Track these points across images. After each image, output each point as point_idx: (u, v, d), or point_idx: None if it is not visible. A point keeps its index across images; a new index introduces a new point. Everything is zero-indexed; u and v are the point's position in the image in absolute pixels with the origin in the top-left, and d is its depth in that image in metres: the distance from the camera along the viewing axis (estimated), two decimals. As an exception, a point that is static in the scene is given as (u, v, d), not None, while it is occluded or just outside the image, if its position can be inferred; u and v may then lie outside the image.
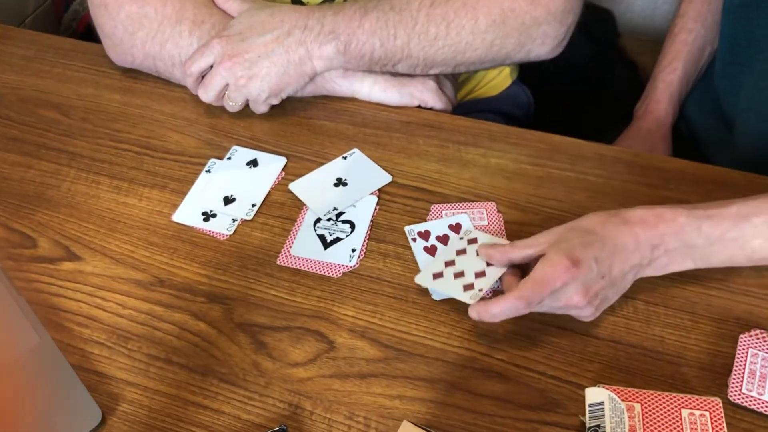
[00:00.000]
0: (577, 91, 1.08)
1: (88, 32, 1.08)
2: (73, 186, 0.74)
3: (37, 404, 0.53)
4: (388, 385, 0.57)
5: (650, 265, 0.58)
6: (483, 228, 0.67)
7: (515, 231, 0.67)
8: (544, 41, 0.78)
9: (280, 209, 0.70)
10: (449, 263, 0.64)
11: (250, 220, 0.69)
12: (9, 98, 0.83)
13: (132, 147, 0.77)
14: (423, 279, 0.63)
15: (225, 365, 0.59)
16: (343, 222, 0.68)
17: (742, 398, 0.55)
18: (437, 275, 0.63)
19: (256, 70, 0.73)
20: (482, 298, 0.59)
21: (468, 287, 0.61)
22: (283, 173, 0.73)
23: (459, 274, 0.62)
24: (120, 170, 0.75)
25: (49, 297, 0.64)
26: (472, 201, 0.70)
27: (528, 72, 1.02)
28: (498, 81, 0.99)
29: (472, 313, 0.58)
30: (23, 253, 0.68)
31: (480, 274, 0.62)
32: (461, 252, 0.64)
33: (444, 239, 0.67)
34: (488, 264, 0.63)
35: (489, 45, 0.76)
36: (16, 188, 0.74)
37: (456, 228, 0.67)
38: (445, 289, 0.62)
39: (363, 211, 0.69)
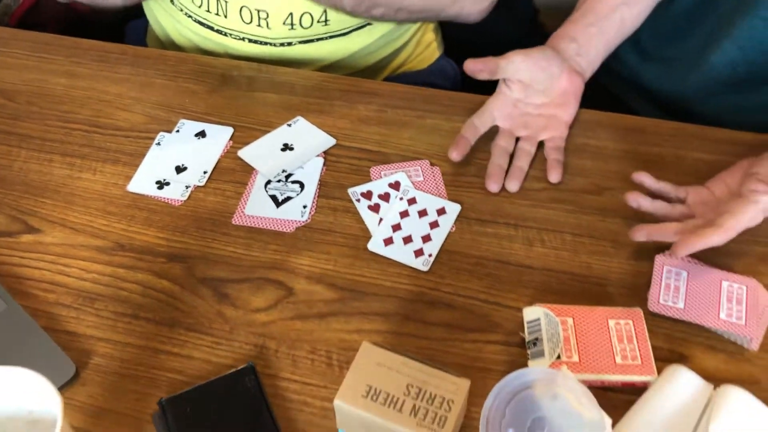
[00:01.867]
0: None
1: (20, 27, 1.09)
2: (25, 165, 0.75)
3: (11, 363, 0.56)
4: (345, 321, 0.62)
5: None
6: (419, 183, 0.73)
7: (451, 181, 0.73)
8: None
9: (231, 175, 0.74)
10: (396, 227, 0.69)
11: (203, 186, 0.73)
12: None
13: (81, 126, 0.79)
14: (375, 246, 0.68)
15: (190, 316, 0.63)
16: (293, 182, 0.73)
17: (660, 308, 0.62)
18: (387, 241, 0.68)
19: None
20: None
21: (418, 253, 0.67)
22: (231, 142, 0.77)
23: (407, 239, 0.68)
24: (71, 148, 0.77)
25: (12, 267, 0.66)
26: (410, 160, 0.75)
27: (453, 48, 1.09)
28: (426, 55, 1.05)
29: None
30: (-14, 229, 0.69)
31: (426, 238, 0.68)
32: (404, 214, 0.70)
33: (386, 197, 0.72)
34: (432, 225, 0.68)
35: None
36: (-33, 170, 0.75)
37: (395, 186, 0.73)
38: (398, 256, 0.67)
39: (311, 172, 0.74)
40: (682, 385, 0.57)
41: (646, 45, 0.95)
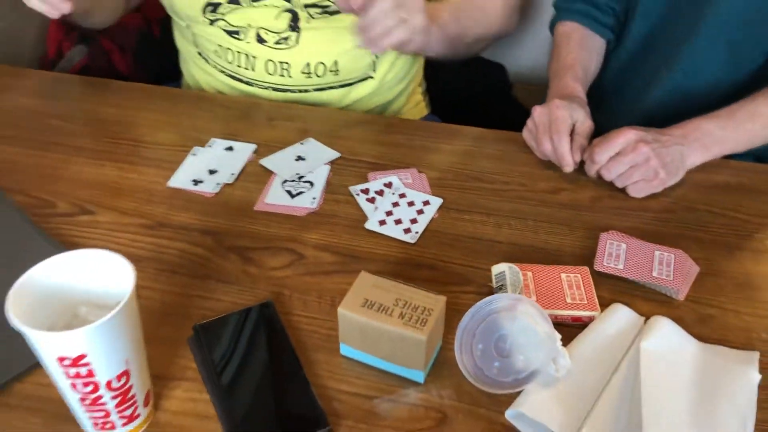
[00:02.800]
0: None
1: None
2: (81, 168, 0.91)
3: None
4: (346, 277, 0.75)
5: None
6: (409, 184, 0.88)
7: (435, 184, 0.89)
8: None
9: (254, 177, 0.90)
10: (389, 213, 0.84)
11: (231, 184, 0.88)
12: (22, 115, 1.01)
13: (128, 142, 0.96)
14: (371, 225, 0.83)
15: (219, 273, 0.76)
16: (304, 182, 0.88)
17: (603, 268, 0.76)
18: (381, 222, 0.83)
19: None
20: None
21: (407, 231, 0.82)
22: (255, 155, 0.93)
23: (398, 221, 0.83)
24: (119, 156, 0.93)
25: (70, 238, 0.80)
26: (402, 168, 0.91)
27: (438, 107, 1.28)
28: (416, 111, 1.24)
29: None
30: (44, 211, 0.84)
31: (413, 221, 0.83)
32: (396, 204, 0.85)
33: (381, 193, 0.87)
34: (419, 212, 0.84)
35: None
36: (33, 171, 0.90)
37: (389, 185, 0.88)
38: (390, 233, 0.81)
39: (319, 175, 0.89)
40: (619, 316, 0.70)
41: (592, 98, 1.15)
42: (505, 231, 0.82)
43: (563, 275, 0.74)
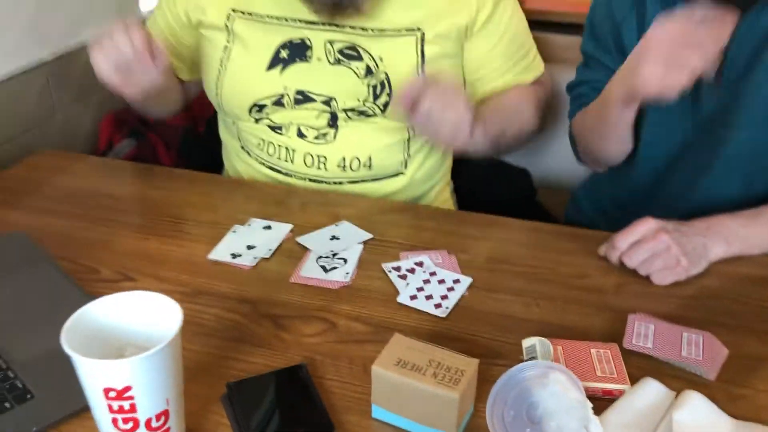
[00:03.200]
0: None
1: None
2: (126, 240, 0.95)
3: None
4: (377, 346, 0.76)
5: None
6: (439, 264, 0.91)
7: (465, 266, 0.91)
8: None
9: (290, 253, 0.93)
10: (420, 289, 0.87)
11: (268, 259, 0.92)
12: (75, 194, 1.07)
13: (172, 219, 1.00)
14: (403, 299, 0.85)
15: (253, 338, 0.78)
16: (338, 258, 0.92)
17: (633, 346, 0.77)
18: (413, 297, 0.85)
19: None
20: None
21: (437, 306, 0.84)
22: (291, 234, 0.97)
23: (429, 297, 0.86)
24: (163, 231, 0.97)
25: (113, 302, 0.83)
26: (432, 250, 0.95)
27: (464, 206, 1.33)
28: (440, 202, 1.28)
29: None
30: (89, 276, 0.87)
31: (444, 297, 0.85)
32: (427, 281, 0.88)
33: (412, 270, 0.90)
34: (449, 289, 0.86)
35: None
36: (81, 242, 0.95)
37: (420, 264, 0.91)
38: (421, 307, 0.84)
39: (353, 252, 0.93)
40: (650, 390, 0.70)
41: (611, 213, 1.19)
42: (533, 310, 0.84)
43: (593, 350, 0.75)
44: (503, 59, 1.16)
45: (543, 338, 0.76)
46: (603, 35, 1.11)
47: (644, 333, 0.79)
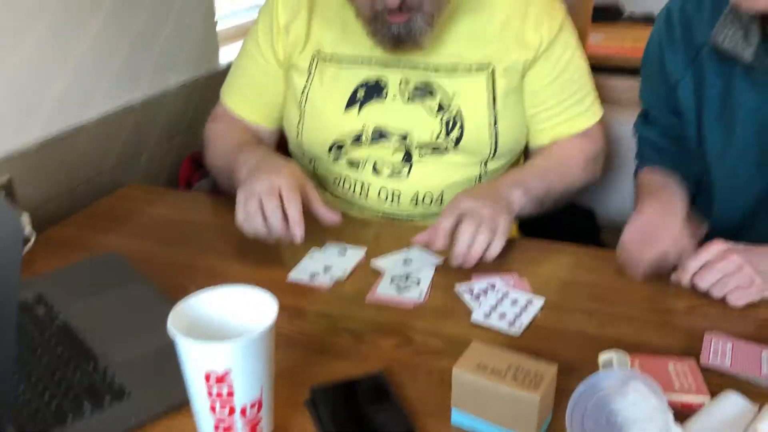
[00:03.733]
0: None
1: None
2: (211, 263, 1.01)
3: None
4: (453, 359, 0.78)
5: None
6: (510, 286, 0.93)
7: (537, 289, 0.93)
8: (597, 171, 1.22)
9: (364, 275, 0.97)
10: (493, 308, 0.89)
11: (344, 281, 0.95)
12: (160, 222, 1.14)
13: (252, 244, 1.05)
14: (477, 318, 0.87)
15: (333, 349, 0.81)
16: (411, 281, 0.94)
17: (710, 364, 0.76)
18: (486, 315, 0.87)
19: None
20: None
21: (511, 324, 0.86)
22: (365, 257, 1.01)
23: (502, 316, 0.87)
24: (244, 255, 1.02)
25: (199, 315, 0.87)
26: (503, 272, 0.97)
27: (527, 232, 1.34)
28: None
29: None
30: (178, 293, 0.92)
31: (518, 316, 0.87)
32: (500, 301, 0.90)
33: (485, 292, 0.92)
34: (522, 309, 0.88)
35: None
36: (169, 264, 1.00)
37: (492, 286, 0.93)
38: (495, 325, 0.86)
39: (425, 275, 0.96)
40: (732, 402, 0.70)
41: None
42: (608, 329, 0.85)
43: (671, 364, 0.75)
44: (558, 98, 1.17)
45: (620, 351, 0.76)
46: (658, 92, 1.12)
47: (721, 350, 0.79)
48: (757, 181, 1.03)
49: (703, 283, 0.89)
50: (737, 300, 0.88)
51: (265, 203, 0.94)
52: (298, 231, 0.94)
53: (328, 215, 1.00)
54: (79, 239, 1.08)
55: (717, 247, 0.89)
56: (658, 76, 1.11)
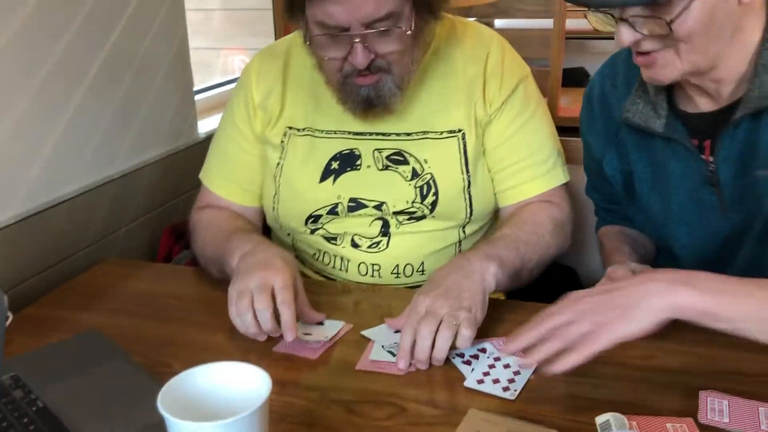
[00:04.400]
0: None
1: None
2: (196, 336, 0.99)
3: None
4: (448, 428, 0.77)
5: None
6: (501, 349, 0.92)
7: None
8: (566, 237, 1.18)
9: (353, 344, 0.95)
10: (486, 373, 0.88)
11: (331, 349, 0.94)
12: (143, 296, 1.12)
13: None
14: (470, 383, 0.86)
15: (325, 422, 0.79)
16: (402, 347, 0.93)
17: (708, 420, 0.76)
18: (480, 381, 0.86)
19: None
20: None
21: (506, 389, 0.84)
22: (347, 328, 0.99)
23: (496, 380, 0.86)
24: (229, 327, 1.00)
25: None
26: (491, 337, 0.96)
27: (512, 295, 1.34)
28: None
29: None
30: (163, 370, 0.89)
31: (511, 380, 0.86)
32: (492, 366, 0.89)
33: (476, 357, 0.91)
34: (515, 373, 0.87)
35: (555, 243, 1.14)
36: (153, 340, 0.98)
37: (483, 350, 0.92)
38: (489, 390, 0.84)
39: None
40: (734, 461, 0.69)
41: None
42: (602, 390, 0.84)
43: (668, 425, 0.74)
44: (514, 158, 1.16)
45: (616, 413, 0.75)
46: (590, 164, 1.17)
47: (718, 408, 0.78)
48: (722, 229, 1.01)
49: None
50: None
51: (256, 303, 0.92)
52: (289, 336, 0.91)
53: (314, 317, 0.99)
54: (57, 317, 1.05)
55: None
56: (586, 149, 1.16)
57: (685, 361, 0.89)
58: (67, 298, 1.11)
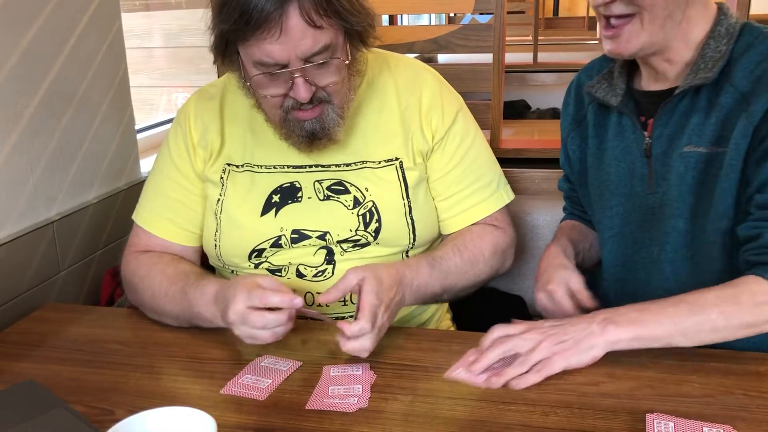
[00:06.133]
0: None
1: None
2: (138, 382, 0.95)
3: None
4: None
5: None
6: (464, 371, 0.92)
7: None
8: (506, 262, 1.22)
9: (302, 382, 0.94)
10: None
11: (280, 388, 0.92)
12: (83, 342, 1.08)
13: (183, 359, 1.01)
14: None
15: (276, 464, 0.77)
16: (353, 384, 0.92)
17: (655, 444, 0.77)
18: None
19: None
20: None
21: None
22: (295, 366, 0.98)
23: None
24: (175, 371, 0.98)
25: (129, 441, 0.82)
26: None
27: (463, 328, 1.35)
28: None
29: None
30: (105, 418, 0.86)
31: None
32: None
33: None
34: None
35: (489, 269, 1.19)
36: (94, 386, 0.95)
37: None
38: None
39: (365, 377, 0.94)
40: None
41: None
42: (552, 418, 0.84)
43: (617, 450, 0.75)
44: (457, 188, 1.19)
45: (566, 441, 0.76)
46: (563, 149, 1.28)
47: (665, 430, 0.79)
48: (636, 213, 1.11)
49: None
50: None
51: (255, 325, 0.95)
52: (299, 302, 0.95)
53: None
54: (-8, 368, 1.01)
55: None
56: (562, 132, 1.28)
57: (632, 386, 0.91)
58: (3, 348, 1.07)
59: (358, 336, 0.94)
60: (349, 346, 0.95)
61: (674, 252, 1.06)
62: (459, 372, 0.92)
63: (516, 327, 0.96)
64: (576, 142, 1.23)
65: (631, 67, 1.13)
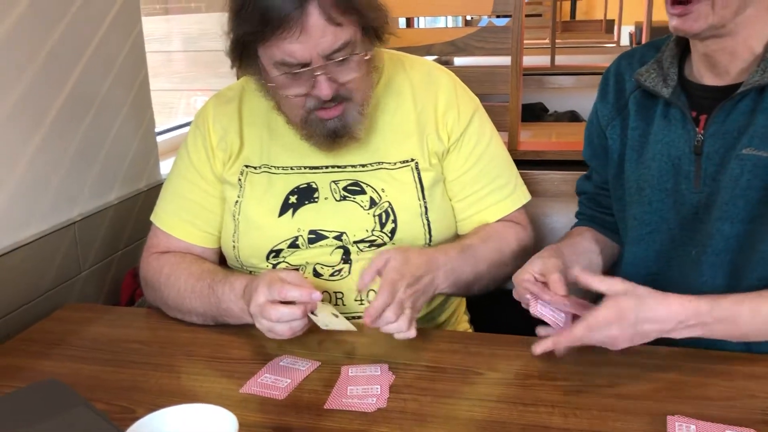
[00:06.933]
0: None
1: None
2: (159, 381, 0.96)
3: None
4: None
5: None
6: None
7: (497, 382, 0.92)
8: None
9: (320, 382, 0.94)
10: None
11: (299, 388, 0.92)
12: (104, 341, 1.09)
13: (202, 358, 1.02)
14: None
15: (295, 463, 0.77)
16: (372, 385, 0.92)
17: (677, 446, 0.76)
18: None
19: None
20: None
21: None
22: (314, 366, 0.98)
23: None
24: (195, 370, 0.98)
25: (149, 439, 0.82)
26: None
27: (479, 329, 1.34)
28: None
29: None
30: (126, 416, 0.87)
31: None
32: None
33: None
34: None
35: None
36: (115, 385, 0.95)
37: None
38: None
39: (384, 378, 0.94)
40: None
41: None
42: (572, 420, 0.84)
43: (638, 452, 0.75)
44: (474, 188, 1.20)
45: None
46: (595, 145, 1.23)
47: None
48: (672, 213, 1.07)
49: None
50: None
51: (271, 318, 0.96)
52: (317, 295, 0.96)
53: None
54: (15, 367, 1.02)
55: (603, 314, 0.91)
56: (595, 129, 1.22)
57: (653, 388, 0.90)
58: (26, 347, 1.08)
59: (381, 314, 0.94)
60: (378, 324, 0.95)
61: (716, 255, 1.02)
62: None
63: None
64: (617, 131, 1.17)
65: (681, 56, 1.09)
